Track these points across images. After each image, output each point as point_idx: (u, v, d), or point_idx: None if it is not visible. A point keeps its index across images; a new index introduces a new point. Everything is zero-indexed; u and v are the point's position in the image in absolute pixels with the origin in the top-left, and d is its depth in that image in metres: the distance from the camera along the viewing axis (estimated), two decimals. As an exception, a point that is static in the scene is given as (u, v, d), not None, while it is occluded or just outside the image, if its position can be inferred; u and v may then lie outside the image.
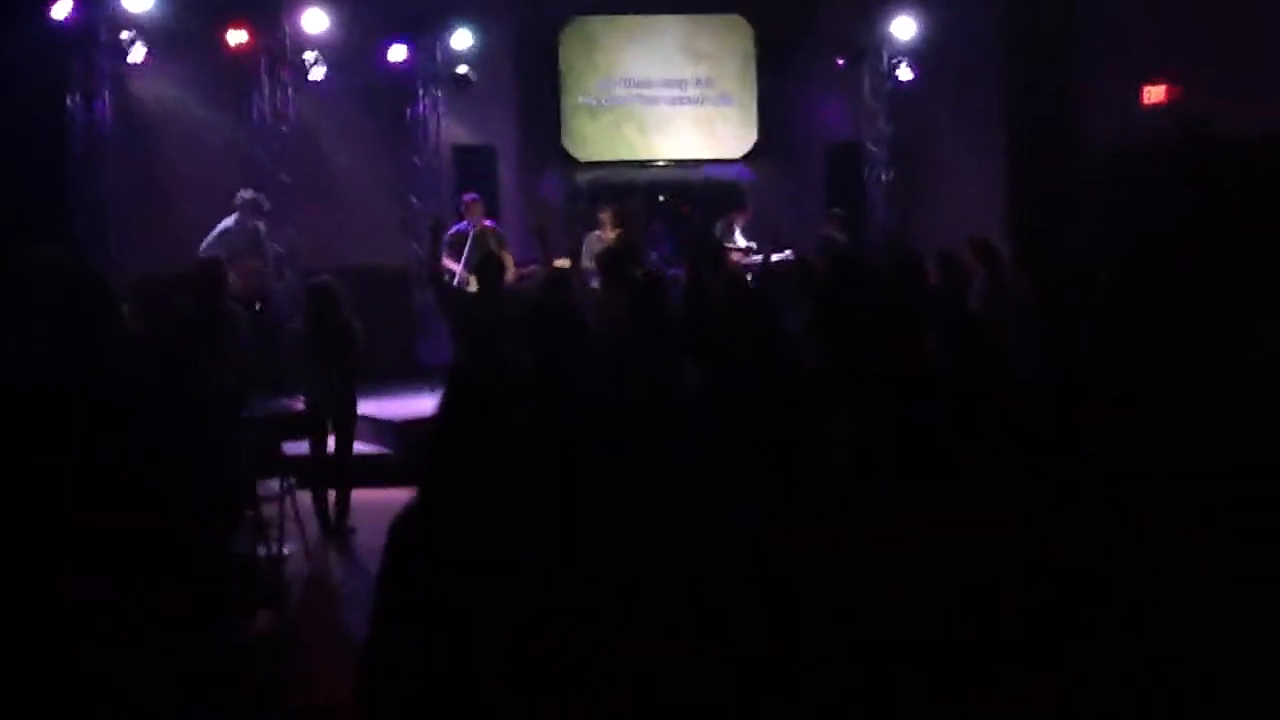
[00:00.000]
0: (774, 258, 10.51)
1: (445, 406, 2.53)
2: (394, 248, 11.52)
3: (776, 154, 12.60)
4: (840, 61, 11.75)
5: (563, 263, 10.47)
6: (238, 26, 10.03)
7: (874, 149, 11.82)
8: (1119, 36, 10.44)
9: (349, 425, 7.04)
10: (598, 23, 12.68)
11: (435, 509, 2.42)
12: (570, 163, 12.77)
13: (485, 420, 2.45)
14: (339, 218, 10.84)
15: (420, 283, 11.30)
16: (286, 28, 10.41)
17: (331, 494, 6.93)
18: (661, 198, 12.43)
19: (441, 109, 11.65)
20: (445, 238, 10.21)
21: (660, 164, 12.77)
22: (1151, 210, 9.11)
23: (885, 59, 11.55)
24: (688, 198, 12.59)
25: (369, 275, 10.24)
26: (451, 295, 7.01)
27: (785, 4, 12.17)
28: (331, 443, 7.05)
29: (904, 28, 11.29)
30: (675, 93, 12.77)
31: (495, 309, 6.57)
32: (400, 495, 7.29)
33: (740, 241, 10.84)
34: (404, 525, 2.44)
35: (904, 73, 11.41)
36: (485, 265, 6.63)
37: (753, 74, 12.70)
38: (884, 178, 11.76)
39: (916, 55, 11.35)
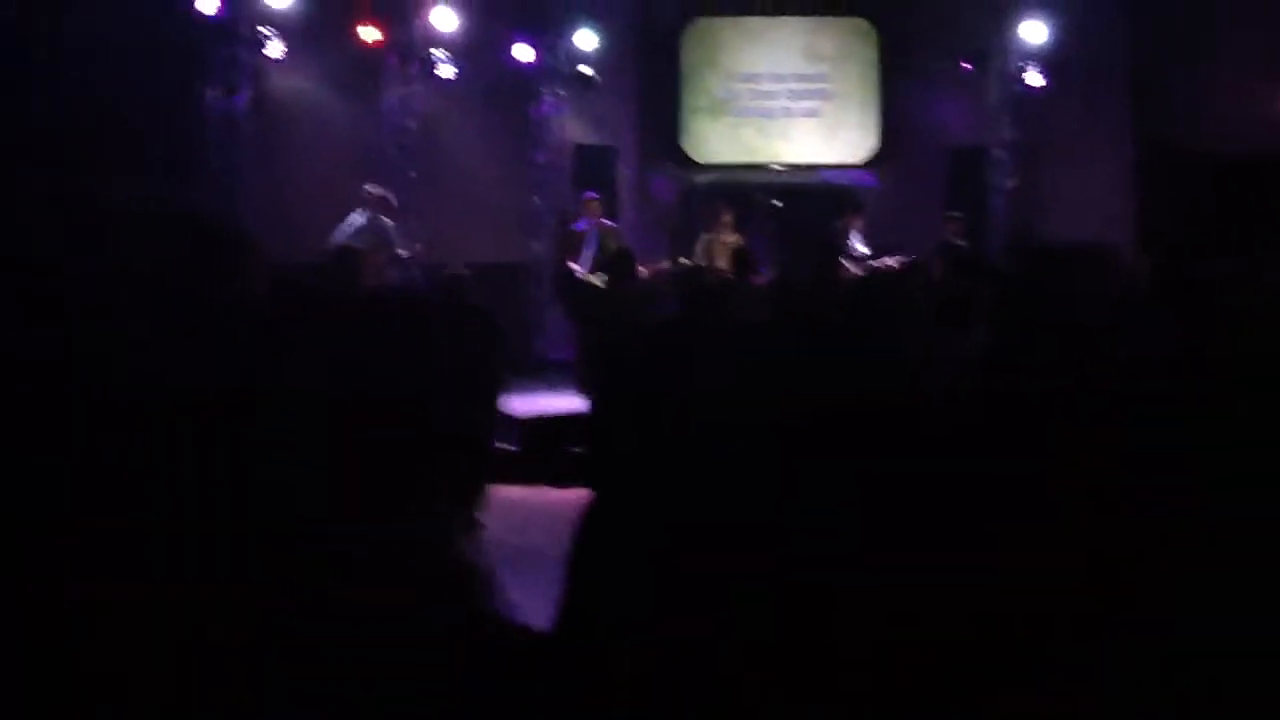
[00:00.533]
0: (886, 262, 10.39)
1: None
2: (514, 245, 11.64)
3: (897, 159, 12.43)
4: (966, 65, 11.54)
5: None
6: (370, 23, 10.27)
7: (998, 154, 11.58)
8: (1256, 40, 10.10)
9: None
10: (720, 24, 12.67)
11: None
12: (688, 164, 12.78)
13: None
14: (461, 214, 10.98)
15: (540, 280, 11.41)
16: (417, 24, 10.60)
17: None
18: (775, 201, 12.35)
19: (564, 108, 11.75)
20: (565, 236, 10.35)
21: (776, 167, 12.69)
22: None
23: (1012, 63, 11.31)
24: (803, 201, 12.47)
25: (489, 272, 10.36)
26: (580, 292, 7.02)
27: (910, 7, 12.02)
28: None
29: (1033, 31, 11.05)
30: (796, 96, 12.69)
31: (625, 305, 6.59)
32: (523, 492, 7.43)
33: (857, 247, 10.72)
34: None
35: (1032, 77, 11.16)
36: (618, 262, 6.64)
37: (875, 77, 12.55)
38: (1007, 184, 11.51)
39: (1045, 59, 11.09)
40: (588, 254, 9.88)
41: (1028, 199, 11.39)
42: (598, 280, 6.96)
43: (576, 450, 7.26)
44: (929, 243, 10.60)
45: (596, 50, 11.58)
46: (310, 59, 10.25)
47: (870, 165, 12.56)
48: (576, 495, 5.85)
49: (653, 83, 12.60)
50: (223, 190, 9.79)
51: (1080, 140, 11.04)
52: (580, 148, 12.08)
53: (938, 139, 12.20)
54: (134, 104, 8.83)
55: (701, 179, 12.77)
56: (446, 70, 10.71)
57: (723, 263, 9.19)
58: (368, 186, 9.65)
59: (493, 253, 11.15)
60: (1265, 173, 9.76)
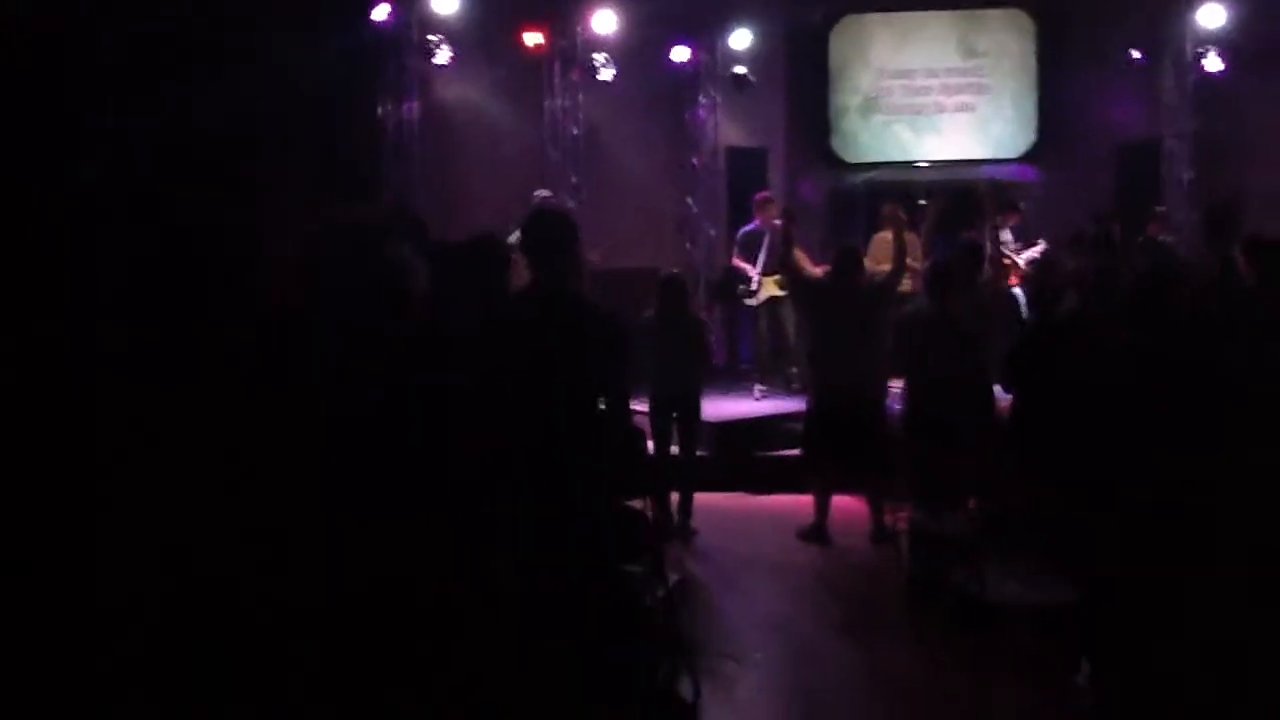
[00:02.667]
0: (1028, 254, 10.04)
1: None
2: (671, 250, 11.47)
3: (1057, 153, 12.04)
4: (1136, 54, 11.11)
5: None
6: (534, 28, 10.17)
7: (1175, 147, 11.14)
8: None
9: (693, 423, 6.94)
10: (870, 20, 12.40)
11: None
12: (837, 164, 12.52)
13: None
14: (621, 218, 10.85)
15: (696, 284, 11.22)
16: (579, 29, 10.49)
17: (674, 496, 6.85)
18: (922, 201, 12.00)
19: (718, 110, 11.58)
20: (737, 237, 10.13)
21: (929, 164, 12.37)
22: None
23: (1190, 49, 10.87)
24: (960, 199, 12.12)
25: (646, 277, 10.20)
26: (803, 287, 6.81)
27: (1071, -3, 11.65)
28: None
29: (1212, 16, 10.61)
30: (950, 90, 12.38)
31: (848, 300, 6.36)
32: (723, 499, 7.20)
33: (1001, 243, 10.33)
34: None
35: (1212, 63, 10.71)
36: (846, 257, 6.42)
37: (1033, 70, 12.19)
38: (1185, 178, 11.07)
39: (1227, 44, 10.64)
40: (761, 256, 9.68)
41: (1207, 194, 10.91)
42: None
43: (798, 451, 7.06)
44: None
45: (749, 50, 11.38)
46: (476, 65, 10.18)
47: (1030, 159, 12.18)
48: (775, 502, 5.66)
49: (801, 82, 12.38)
50: (395, 200, 9.74)
51: (1267, 130, 10.56)
52: (732, 150, 11.90)
53: (1105, 132, 11.78)
54: (321, 116, 8.82)
55: (850, 179, 12.52)
56: (607, 73, 10.58)
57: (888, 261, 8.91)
58: (538, 193, 9.55)
59: (648, 258, 11.01)
60: None
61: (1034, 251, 9.86)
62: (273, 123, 9.00)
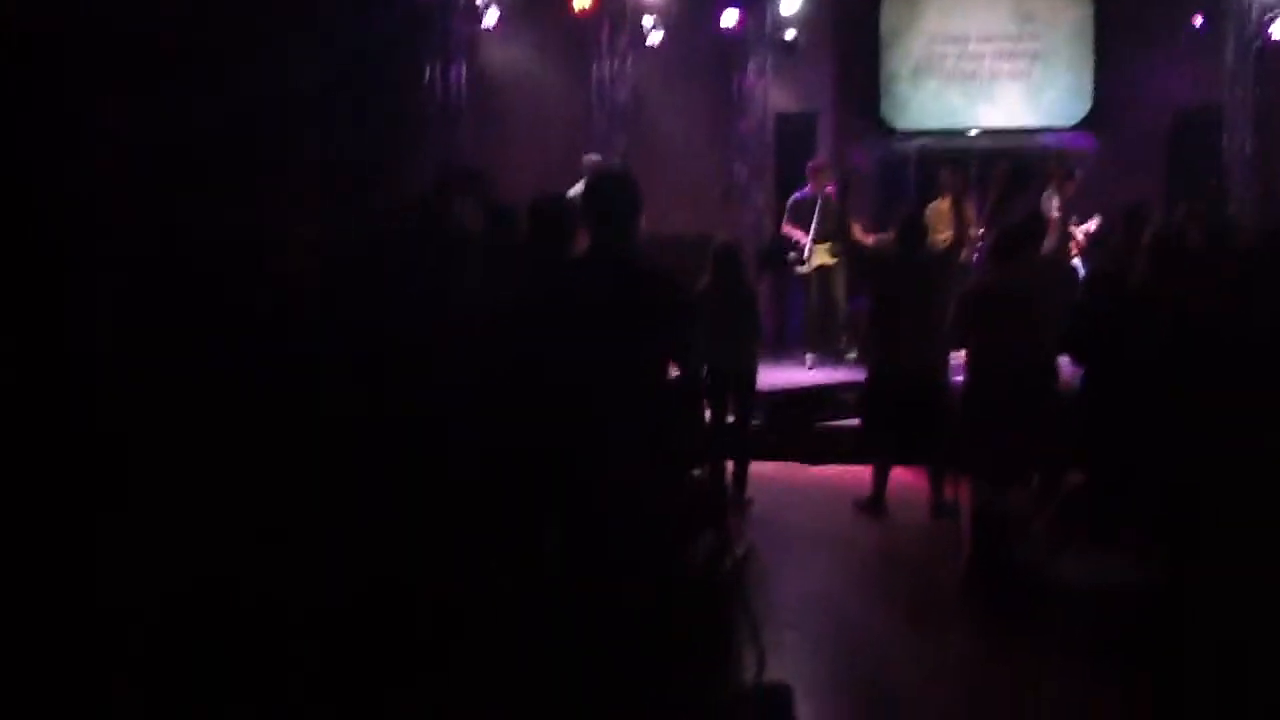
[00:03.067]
0: (1084, 227, 9.81)
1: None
2: (718, 217, 11.32)
3: (1113, 122, 11.77)
4: (1198, 20, 10.83)
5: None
6: (582, -11, 10.02)
7: (1236, 115, 10.86)
8: None
9: (749, 394, 6.85)
10: (923, -17, 12.16)
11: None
12: (888, 131, 12.32)
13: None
14: (667, 184, 10.70)
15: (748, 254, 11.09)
16: (627, -10, 10.34)
17: (729, 465, 6.78)
18: (970, 167, 11.72)
19: (767, 75, 11.39)
20: (788, 204, 9.99)
21: (981, 131, 12.13)
22: None
23: (1254, 15, 10.58)
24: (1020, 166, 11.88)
25: (694, 243, 10.08)
26: (867, 257, 6.70)
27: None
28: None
29: (1278, -19, 10.31)
30: (1003, 57, 12.12)
31: (914, 270, 6.24)
32: (776, 469, 7.09)
33: (1055, 212, 10.11)
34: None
35: (1277, 30, 10.41)
36: (912, 227, 6.29)
37: (1089, 36, 11.91)
38: (1246, 148, 10.80)
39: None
40: (813, 224, 9.56)
41: (1269, 164, 10.66)
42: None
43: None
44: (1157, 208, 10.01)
45: (798, 14, 11.17)
46: (523, 28, 10.06)
47: (1084, 127, 11.93)
48: (829, 472, 5.56)
49: (851, 47, 12.16)
50: (442, 164, 9.66)
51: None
52: (781, 116, 11.72)
53: (1162, 100, 11.50)
54: (371, 78, 8.74)
55: (901, 146, 12.31)
56: (655, 37, 10.42)
57: (946, 230, 8.75)
58: (588, 157, 9.45)
59: (696, 224, 10.87)
60: None
61: (1091, 224, 9.64)
62: (313, 96, 8.96)
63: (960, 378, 6.52)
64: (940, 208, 9.46)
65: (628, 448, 3.46)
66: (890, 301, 6.24)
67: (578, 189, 9.27)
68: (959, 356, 6.61)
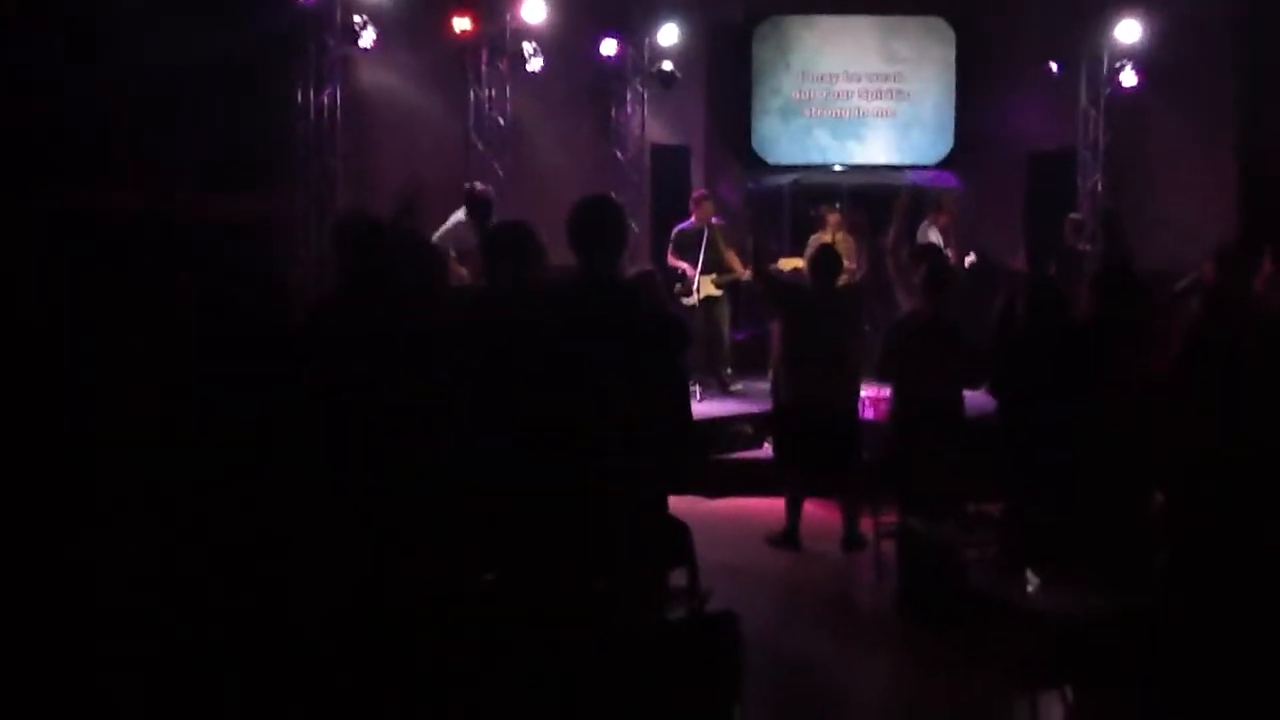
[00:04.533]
0: (967, 260, 10.10)
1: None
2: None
3: (974, 160, 12.20)
4: (1054, 66, 11.32)
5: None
6: (463, 13, 9.76)
7: (1088, 158, 11.38)
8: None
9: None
10: (792, 22, 12.36)
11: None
12: (758, 165, 12.45)
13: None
14: (546, 212, 10.47)
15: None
16: (508, 16, 10.12)
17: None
18: (824, 204, 11.90)
19: (644, 106, 11.35)
20: (672, 236, 9.91)
21: (848, 168, 12.38)
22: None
23: (1106, 63, 11.12)
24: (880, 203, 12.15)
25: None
26: (781, 288, 6.64)
27: (990, 6, 11.80)
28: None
29: (1129, 31, 10.86)
30: (869, 96, 12.42)
31: (827, 302, 6.21)
32: (674, 503, 6.94)
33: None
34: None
35: (1126, 77, 10.97)
36: (827, 258, 6.26)
37: (951, 78, 12.33)
38: (1098, 188, 11.32)
39: (1141, 59, 10.91)
40: (701, 255, 9.51)
41: (1117, 206, 11.17)
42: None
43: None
44: (1009, 244, 10.38)
45: (675, 46, 11.19)
46: (401, 50, 9.71)
47: (947, 166, 12.31)
48: (731, 505, 5.50)
49: (723, 82, 12.25)
50: (314, 190, 9.24)
51: (1178, 148, 10.87)
52: (656, 147, 11.69)
53: (1019, 141, 11.97)
54: (238, 101, 8.37)
55: (770, 181, 12.45)
56: (535, 63, 10.23)
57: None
58: (472, 185, 9.16)
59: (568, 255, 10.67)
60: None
61: (969, 258, 9.90)
62: (177, 103, 8.48)
63: (874, 410, 6.52)
64: (818, 240, 9.54)
65: (621, 483, 3.25)
66: (804, 333, 6.18)
67: (459, 216, 9.00)
68: (871, 390, 6.62)
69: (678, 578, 4.16)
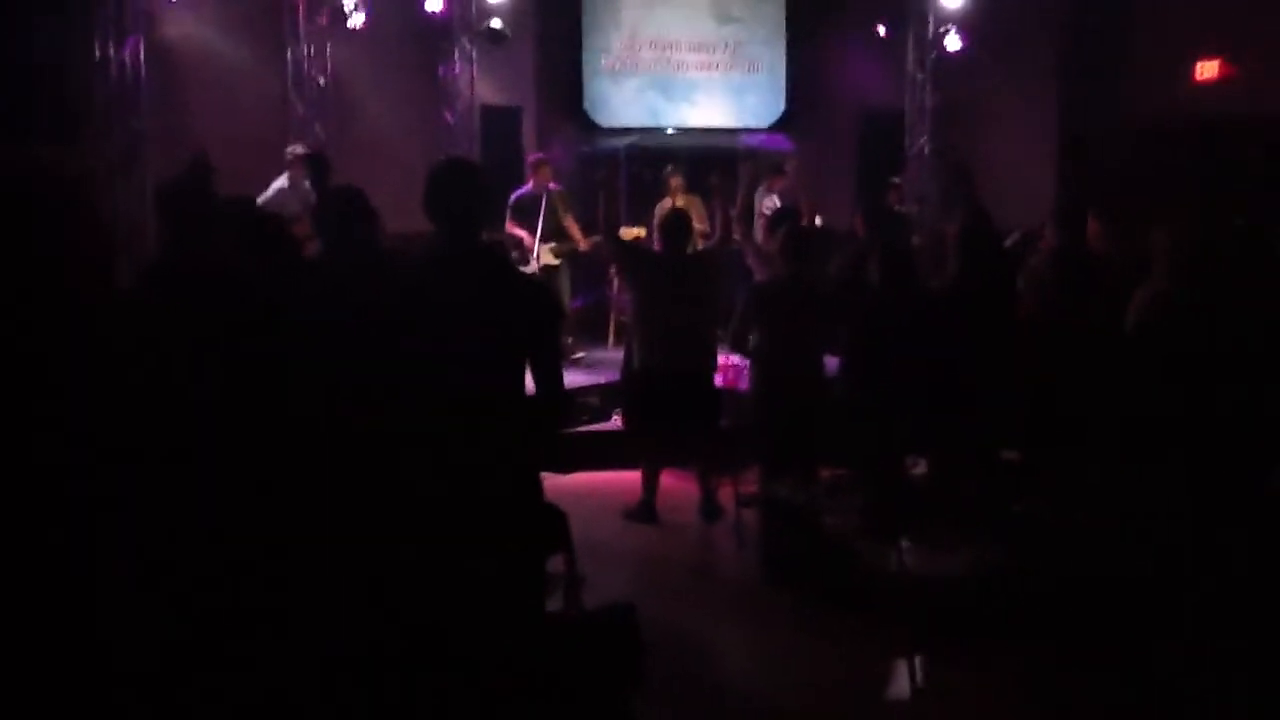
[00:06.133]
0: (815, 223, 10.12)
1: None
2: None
3: (807, 122, 12.23)
4: (882, 29, 11.43)
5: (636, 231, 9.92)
6: (277, -36, 9.15)
7: (915, 119, 11.55)
8: (1175, 9, 10.44)
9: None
10: (623, -19, 12.09)
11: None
12: (590, 127, 12.17)
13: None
14: (373, 176, 9.95)
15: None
16: (327, -32, 9.54)
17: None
18: (669, 166, 11.78)
19: (473, 65, 10.92)
20: (510, 202, 9.55)
21: (683, 130, 12.23)
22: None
23: (932, 26, 11.29)
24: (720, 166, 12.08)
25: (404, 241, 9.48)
26: (635, 255, 6.41)
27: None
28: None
29: (953, -4, 11.05)
30: (702, 57, 12.28)
31: (682, 269, 6.02)
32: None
33: (767, 211, 10.37)
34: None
35: (951, 41, 11.17)
36: (678, 224, 6.05)
37: (784, 40, 12.30)
38: (925, 149, 11.51)
39: (965, 23, 11.12)
40: (539, 223, 9.20)
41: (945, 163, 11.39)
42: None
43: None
44: (840, 207, 10.48)
45: (504, 3, 10.79)
46: (210, 5, 9.02)
47: (780, 128, 12.31)
48: (581, 480, 5.31)
49: (552, 41, 11.91)
50: (124, 152, 8.50)
51: (1002, 109, 11.14)
52: (487, 108, 11.28)
53: (850, 103, 12.07)
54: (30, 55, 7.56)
55: (604, 144, 12.19)
56: (356, 19, 9.67)
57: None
58: (292, 148, 8.60)
59: (404, 221, 10.21)
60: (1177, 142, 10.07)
61: (818, 221, 9.88)
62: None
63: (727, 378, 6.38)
64: (665, 206, 9.36)
65: (489, 465, 2.98)
66: (658, 300, 5.96)
67: (280, 183, 8.44)
68: (732, 358, 6.47)
69: (554, 564, 3.91)
